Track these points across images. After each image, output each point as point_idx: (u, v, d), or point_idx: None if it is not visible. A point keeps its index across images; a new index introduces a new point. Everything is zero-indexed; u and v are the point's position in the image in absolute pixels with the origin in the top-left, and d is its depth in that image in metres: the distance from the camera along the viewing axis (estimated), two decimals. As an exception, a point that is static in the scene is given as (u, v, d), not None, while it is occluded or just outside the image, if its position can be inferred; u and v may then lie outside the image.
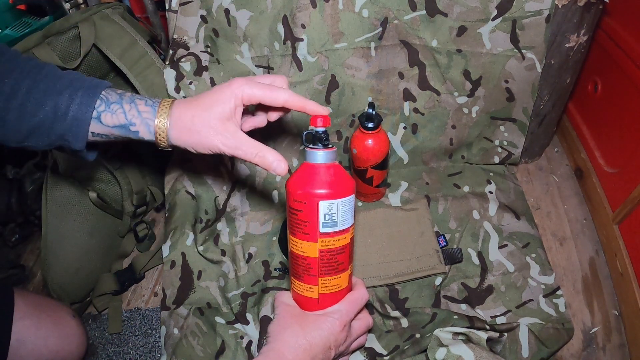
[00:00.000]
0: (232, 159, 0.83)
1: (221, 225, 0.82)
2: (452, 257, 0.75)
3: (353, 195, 0.54)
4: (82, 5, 0.98)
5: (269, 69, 0.78)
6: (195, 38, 0.77)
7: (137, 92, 0.77)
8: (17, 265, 0.97)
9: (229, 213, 0.84)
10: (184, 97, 0.78)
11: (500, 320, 0.68)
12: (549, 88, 0.77)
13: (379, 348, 0.65)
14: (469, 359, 0.56)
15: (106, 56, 0.78)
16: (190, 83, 0.78)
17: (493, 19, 0.70)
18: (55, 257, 0.82)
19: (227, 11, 0.74)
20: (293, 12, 0.73)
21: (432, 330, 0.62)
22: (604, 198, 0.78)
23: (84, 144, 0.54)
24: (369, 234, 0.79)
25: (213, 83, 0.79)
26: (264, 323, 0.69)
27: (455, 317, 0.65)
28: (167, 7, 0.75)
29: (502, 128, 0.83)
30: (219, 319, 0.73)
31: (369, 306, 0.67)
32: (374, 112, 0.70)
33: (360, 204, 0.84)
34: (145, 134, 0.55)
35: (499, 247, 0.76)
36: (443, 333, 0.61)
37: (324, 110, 0.56)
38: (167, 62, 0.78)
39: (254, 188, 0.86)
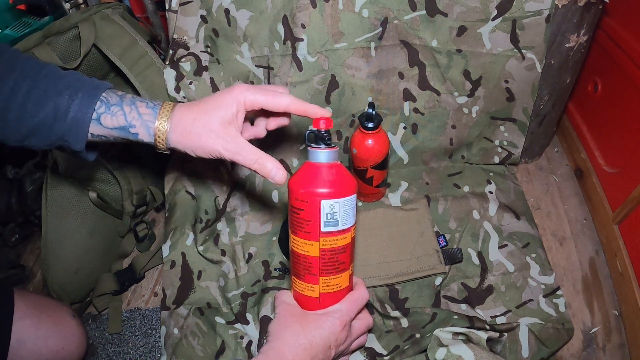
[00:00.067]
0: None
1: (221, 225, 0.82)
2: (452, 257, 0.75)
3: (355, 195, 0.54)
4: (82, 5, 0.98)
5: (269, 69, 0.78)
6: (195, 38, 0.77)
7: (137, 92, 0.77)
8: (17, 265, 0.97)
9: (229, 213, 0.84)
10: (184, 97, 0.78)
11: (500, 320, 0.68)
12: (549, 88, 0.77)
13: (379, 348, 0.65)
14: (469, 359, 0.56)
15: (106, 56, 0.78)
16: (190, 83, 0.78)
17: (493, 19, 0.70)
18: (55, 257, 0.82)
19: (227, 11, 0.74)
20: (293, 12, 0.73)
21: (432, 330, 0.62)
22: (604, 198, 0.78)
23: (83, 144, 0.54)
24: (369, 234, 0.79)
25: (213, 83, 0.79)
26: (264, 323, 0.69)
27: (455, 317, 0.65)
28: (167, 7, 0.75)
29: (502, 128, 0.83)
30: (219, 319, 0.73)
31: (369, 306, 0.67)
32: (374, 112, 0.70)
33: (360, 204, 0.84)
34: (145, 136, 0.55)
35: (499, 247, 0.76)
36: (443, 333, 0.61)
37: (326, 113, 0.56)
38: (167, 62, 0.78)
39: (254, 188, 0.86)
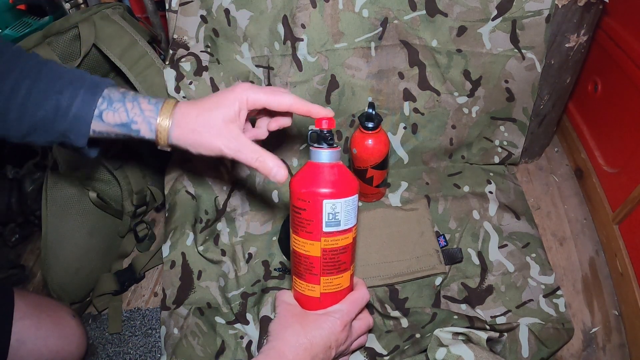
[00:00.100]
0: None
1: (221, 225, 0.82)
2: (452, 257, 0.75)
3: (356, 195, 0.54)
4: (82, 5, 0.98)
5: (269, 69, 0.78)
6: (195, 38, 0.77)
7: (137, 92, 0.77)
8: (17, 265, 0.97)
9: (229, 213, 0.84)
10: (184, 97, 0.78)
11: (500, 320, 0.68)
12: (549, 88, 0.77)
13: (379, 348, 0.65)
14: (469, 359, 0.56)
15: (106, 56, 0.78)
16: (190, 83, 0.78)
17: (493, 19, 0.70)
18: (55, 257, 0.82)
19: (227, 11, 0.74)
20: (293, 12, 0.73)
21: (432, 330, 0.62)
22: (604, 198, 0.78)
23: (85, 141, 0.54)
24: (369, 234, 0.79)
25: (213, 83, 0.79)
26: (264, 323, 0.69)
27: (455, 317, 0.65)
28: (167, 7, 0.75)
29: (502, 128, 0.83)
30: (219, 319, 0.73)
31: (369, 306, 0.67)
32: (374, 112, 0.70)
33: (360, 204, 0.84)
34: (146, 133, 0.55)
35: (499, 247, 0.76)
36: (443, 333, 0.61)
37: (329, 113, 0.56)
38: (167, 62, 0.78)
39: (254, 188, 0.86)
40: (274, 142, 0.84)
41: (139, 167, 0.90)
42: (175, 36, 0.77)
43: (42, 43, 0.79)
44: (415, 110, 0.82)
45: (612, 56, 0.76)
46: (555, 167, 0.92)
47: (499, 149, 0.85)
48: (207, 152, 0.55)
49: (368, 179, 0.78)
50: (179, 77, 0.77)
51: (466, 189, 0.84)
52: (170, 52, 0.77)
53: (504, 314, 0.69)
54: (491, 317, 0.69)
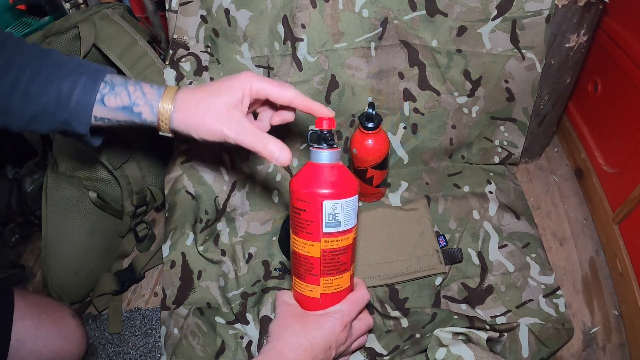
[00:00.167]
0: (232, 158, 0.83)
1: (221, 225, 0.82)
2: (452, 257, 0.75)
3: (356, 196, 0.54)
4: (82, 5, 0.98)
5: (269, 69, 0.78)
6: (195, 38, 0.77)
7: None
8: (17, 265, 0.97)
9: (229, 213, 0.84)
10: None
11: (500, 320, 0.68)
12: (549, 88, 0.77)
13: (379, 348, 0.65)
14: (469, 359, 0.56)
15: (106, 56, 0.78)
16: (191, 83, 0.78)
17: (493, 19, 0.70)
18: (55, 257, 0.82)
19: (227, 11, 0.74)
20: (293, 12, 0.73)
21: (432, 330, 0.62)
22: (604, 198, 0.78)
23: (87, 127, 0.54)
24: (369, 234, 0.79)
25: (213, 83, 0.79)
26: (264, 323, 0.69)
27: (455, 317, 0.65)
28: (167, 7, 0.75)
29: (502, 128, 0.83)
30: (219, 319, 0.73)
31: (369, 306, 0.67)
32: (374, 112, 0.70)
33: (360, 204, 0.84)
34: (148, 116, 0.54)
35: (499, 247, 0.76)
36: (443, 333, 0.61)
37: (330, 113, 0.56)
38: (167, 62, 0.78)
39: (254, 188, 0.85)
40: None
41: (139, 167, 0.90)
42: (175, 36, 0.76)
43: (42, 43, 0.79)
44: (415, 110, 0.82)
45: (612, 56, 0.76)
46: (555, 167, 0.92)
47: (499, 149, 0.85)
48: (209, 137, 0.55)
49: (368, 179, 0.78)
50: (179, 77, 0.77)
51: (466, 189, 0.84)
52: (170, 52, 0.77)
53: (504, 314, 0.69)
54: (491, 317, 0.69)
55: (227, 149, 0.82)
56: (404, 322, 0.68)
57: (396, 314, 0.70)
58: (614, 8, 0.73)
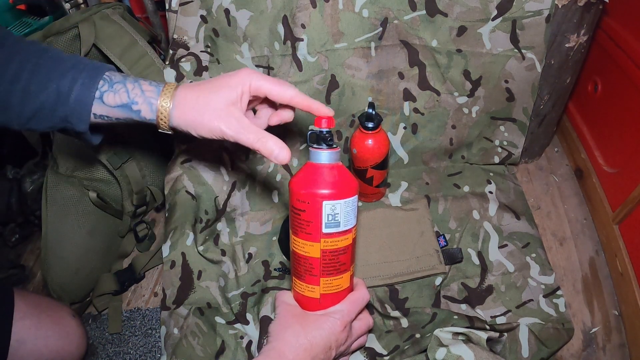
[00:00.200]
0: (232, 158, 0.83)
1: (221, 225, 0.82)
2: (452, 257, 0.75)
3: (356, 196, 0.54)
4: (82, 5, 0.98)
5: (269, 69, 0.78)
6: (195, 38, 0.77)
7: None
8: (17, 265, 0.97)
9: (229, 213, 0.84)
10: None
11: (500, 320, 0.68)
12: (549, 88, 0.77)
13: (379, 348, 0.65)
14: (469, 359, 0.56)
15: (106, 56, 0.78)
16: (191, 83, 0.78)
17: (493, 19, 0.70)
18: (55, 257, 0.82)
19: (227, 11, 0.74)
20: (293, 12, 0.73)
21: (432, 330, 0.63)
22: (604, 198, 0.78)
23: (87, 125, 0.54)
24: (369, 234, 0.79)
25: (213, 83, 0.79)
26: (264, 323, 0.69)
27: (455, 317, 0.65)
28: (167, 7, 0.75)
29: (502, 128, 0.83)
30: (219, 319, 0.73)
31: (369, 306, 0.67)
32: (374, 112, 0.70)
33: (360, 204, 0.84)
34: (147, 114, 0.54)
35: (499, 247, 0.76)
36: (443, 333, 0.61)
37: (329, 112, 0.56)
38: (167, 62, 0.78)
39: (254, 188, 0.85)
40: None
41: (139, 167, 0.90)
42: (175, 36, 0.76)
43: (42, 43, 0.79)
44: (415, 110, 0.82)
45: (612, 56, 0.76)
46: (555, 167, 0.92)
47: (499, 149, 0.85)
48: (207, 134, 0.54)
49: (368, 179, 0.78)
50: (179, 77, 0.77)
51: (466, 189, 0.84)
52: (170, 52, 0.77)
53: (504, 314, 0.69)
54: (491, 317, 0.69)
55: (227, 149, 0.82)
56: (404, 322, 0.68)
57: (396, 314, 0.70)
58: (614, 8, 0.73)
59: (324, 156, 0.53)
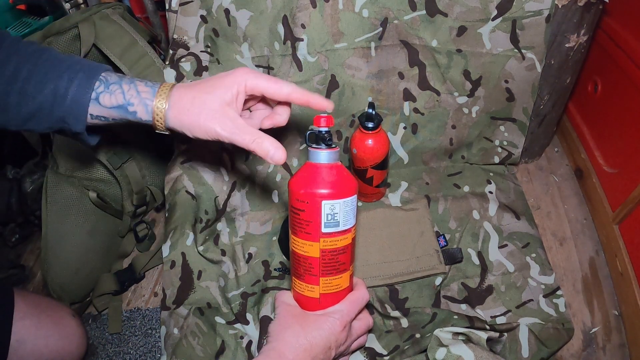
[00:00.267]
0: (232, 158, 0.83)
1: (221, 225, 0.82)
2: (452, 257, 0.75)
3: (355, 196, 0.54)
4: (82, 5, 0.98)
5: (269, 69, 0.78)
6: (195, 38, 0.77)
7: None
8: (17, 265, 0.97)
9: (229, 213, 0.84)
10: None
11: (500, 320, 0.68)
12: (549, 88, 0.77)
13: (379, 348, 0.65)
14: (469, 359, 0.56)
15: (106, 56, 0.78)
16: (186, 83, 0.78)
17: (493, 19, 0.70)
18: (55, 257, 0.82)
19: (227, 11, 0.74)
20: (293, 12, 0.73)
21: (432, 330, 0.62)
22: (604, 198, 0.78)
23: (83, 125, 0.53)
24: (369, 234, 0.79)
25: (213, 83, 0.79)
26: (264, 323, 0.69)
27: (455, 317, 0.65)
28: (167, 7, 0.75)
29: (502, 128, 0.83)
30: (219, 319, 0.73)
31: (369, 306, 0.67)
32: (374, 112, 0.70)
33: (360, 204, 0.84)
34: (143, 115, 0.54)
35: (499, 247, 0.76)
36: (443, 333, 0.61)
37: (329, 104, 0.55)
38: (167, 62, 0.78)
39: (254, 188, 0.86)
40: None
41: (139, 167, 0.90)
42: (175, 36, 0.76)
43: (42, 43, 0.79)
44: (415, 110, 0.82)
45: (612, 56, 0.76)
46: (555, 167, 0.92)
47: (499, 149, 0.85)
48: (203, 135, 0.54)
49: (368, 179, 0.78)
50: (179, 77, 0.77)
51: (466, 189, 0.84)
52: (170, 52, 0.77)
53: (504, 314, 0.69)
54: (491, 317, 0.69)
55: (227, 149, 0.82)
56: (404, 322, 0.68)
57: (396, 314, 0.70)
58: (614, 8, 0.73)
59: (322, 156, 0.53)
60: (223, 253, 0.78)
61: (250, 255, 0.80)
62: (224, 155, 0.82)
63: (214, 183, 0.83)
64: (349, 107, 0.81)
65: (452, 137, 0.84)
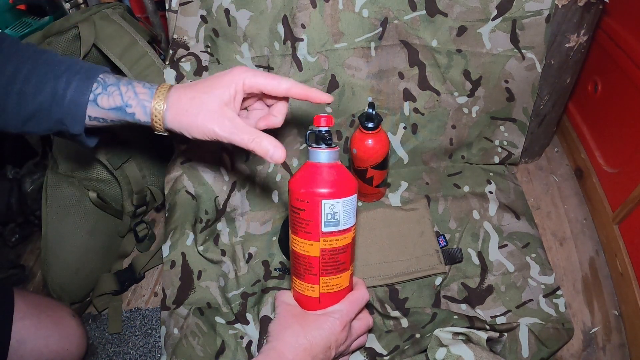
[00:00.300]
0: (232, 158, 0.83)
1: (221, 225, 0.82)
2: (452, 257, 0.75)
3: (355, 195, 0.54)
4: (82, 5, 0.98)
5: (269, 69, 0.78)
6: (195, 38, 0.77)
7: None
8: (17, 265, 0.97)
9: (229, 213, 0.84)
10: None
11: (500, 320, 0.68)
12: (549, 88, 0.77)
13: (379, 348, 0.65)
14: (469, 359, 0.56)
15: (106, 56, 0.78)
16: (184, 84, 0.78)
17: (493, 19, 0.70)
18: (55, 257, 0.82)
19: (227, 11, 0.74)
20: (293, 12, 0.73)
21: (432, 330, 0.62)
22: (604, 198, 0.78)
23: (82, 127, 0.53)
24: (369, 234, 0.79)
25: (213, 83, 0.79)
26: (264, 323, 0.69)
27: (455, 317, 0.65)
28: (167, 7, 0.75)
29: (502, 128, 0.83)
30: (219, 319, 0.73)
31: (369, 306, 0.67)
32: (374, 112, 0.70)
33: (360, 204, 0.84)
34: (142, 116, 0.54)
35: (499, 247, 0.76)
36: (443, 333, 0.61)
37: (328, 97, 0.55)
38: (167, 62, 0.78)
39: (254, 188, 0.86)
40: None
41: (139, 167, 0.90)
42: (175, 36, 0.76)
43: (42, 43, 0.79)
44: (415, 110, 0.82)
45: (612, 56, 0.76)
46: (555, 167, 0.92)
47: (499, 149, 0.85)
48: (201, 136, 0.54)
49: (368, 179, 0.78)
50: (179, 77, 0.77)
51: (466, 189, 0.84)
52: (170, 52, 0.77)
53: (504, 314, 0.69)
54: (491, 317, 0.69)
55: (227, 149, 0.82)
56: (404, 322, 0.68)
57: (396, 314, 0.70)
58: (614, 8, 0.73)
59: (323, 155, 0.53)
60: (223, 253, 0.79)
61: (250, 255, 0.80)
62: (224, 155, 0.82)
63: (214, 183, 0.83)
64: (349, 107, 0.81)
65: (452, 137, 0.84)
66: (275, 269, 0.78)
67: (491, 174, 0.86)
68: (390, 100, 0.81)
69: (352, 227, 0.55)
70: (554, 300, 0.69)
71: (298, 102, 0.78)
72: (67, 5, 0.96)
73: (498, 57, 0.73)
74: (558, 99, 0.80)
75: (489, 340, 0.62)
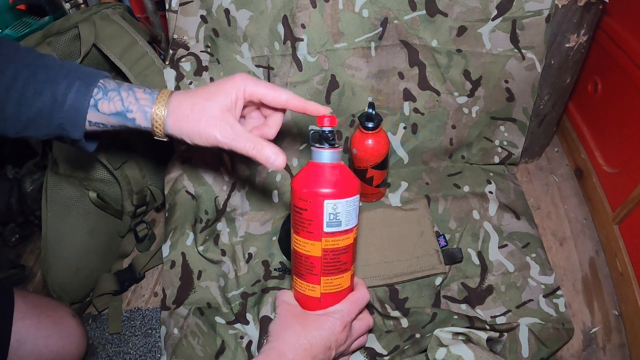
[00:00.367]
0: (232, 158, 0.83)
1: (221, 225, 0.82)
2: (452, 257, 0.75)
3: (357, 196, 0.54)
4: (82, 5, 0.98)
5: (269, 69, 0.78)
6: (195, 38, 0.77)
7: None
8: (17, 265, 0.97)
9: (229, 213, 0.84)
10: None
11: (500, 320, 0.68)
12: (549, 88, 0.77)
13: (379, 348, 0.65)
14: (469, 359, 0.56)
15: (106, 56, 0.78)
16: (190, 83, 0.78)
17: (493, 19, 0.70)
18: (55, 257, 0.82)
19: (227, 11, 0.74)
20: (293, 12, 0.73)
21: (432, 330, 0.62)
22: (604, 198, 0.78)
23: (82, 132, 0.53)
24: (369, 234, 0.79)
25: (213, 83, 0.79)
26: (264, 323, 0.69)
27: (455, 317, 0.65)
28: (167, 7, 0.75)
29: (502, 128, 0.83)
30: (219, 319, 0.73)
31: (369, 306, 0.67)
32: (374, 112, 0.70)
33: (360, 204, 0.84)
34: (142, 122, 0.54)
35: (499, 247, 0.76)
36: (443, 333, 0.61)
37: (326, 110, 0.55)
38: (167, 62, 0.78)
39: (254, 188, 0.86)
40: (274, 142, 0.83)
41: (139, 167, 0.90)
42: (175, 36, 0.76)
43: (42, 43, 0.79)
44: (415, 110, 0.82)
45: (612, 56, 0.76)
46: (555, 167, 0.92)
47: (499, 149, 0.85)
48: (202, 142, 0.54)
49: (368, 179, 0.78)
50: (179, 77, 0.77)
51: (466, 189, 0.84)
52: (170, 52, 0.77)
53: (504, 314, 0.69)
54: (491, 317, 0.69)
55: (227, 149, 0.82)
56: (404, 322, 0.68)
57: (396, 314, 0.70)
58: (614, 8, 0.73)
59: (326, 155, 0.54)
60: (223, 253, 0.78)
61: (250, 255, 0.80)
62: (224, 156, 0.82)
63: (214, 183, 0.83)
64: (349, 107, 0.81)
65: (452, 137, 0.84)
66: (275, 269, 0.78)
67: (491, 174, 0.86)
68: (390, 100, 0.81)
69: (354, 227, 0.55)
70: (554, 300, 0.70)
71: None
72: (67, 5, 0.96)
73: (498, 57, 0.73)
74: (558, 99, 0.80)
75: (489, 340, 0.62)
